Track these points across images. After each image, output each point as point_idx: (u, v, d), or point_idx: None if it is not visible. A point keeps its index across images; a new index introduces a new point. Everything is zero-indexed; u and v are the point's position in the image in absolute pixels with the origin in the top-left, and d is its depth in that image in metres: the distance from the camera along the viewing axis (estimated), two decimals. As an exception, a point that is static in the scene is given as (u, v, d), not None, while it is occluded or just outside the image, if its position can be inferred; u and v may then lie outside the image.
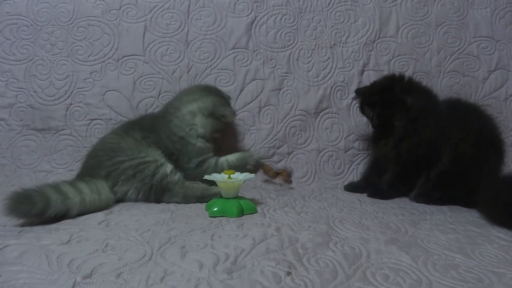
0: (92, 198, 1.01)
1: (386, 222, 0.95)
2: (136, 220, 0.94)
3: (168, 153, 1.21)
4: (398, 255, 0.74)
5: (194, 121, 1.25)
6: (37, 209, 0.89)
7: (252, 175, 1.10)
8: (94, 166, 1.13)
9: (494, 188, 1.03)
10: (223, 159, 1.30)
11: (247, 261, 0.71)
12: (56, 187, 0.96)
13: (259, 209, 1.04)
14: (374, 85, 1.26)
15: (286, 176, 1.33)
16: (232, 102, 1.44)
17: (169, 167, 1.14)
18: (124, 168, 1.10)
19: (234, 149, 1.41)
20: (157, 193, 1.11)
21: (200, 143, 1.25)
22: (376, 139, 1.25)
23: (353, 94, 1.45)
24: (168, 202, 1.11)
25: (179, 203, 1.11)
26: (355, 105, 1.45)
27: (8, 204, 0.86)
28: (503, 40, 1.50)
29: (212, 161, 1.26)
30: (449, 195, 1.13)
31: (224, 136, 1.40)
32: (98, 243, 0.78)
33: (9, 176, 1.34)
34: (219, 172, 1.10)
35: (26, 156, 1.39)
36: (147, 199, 1.11)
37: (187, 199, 1.12)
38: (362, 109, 1.27)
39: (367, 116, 1.25)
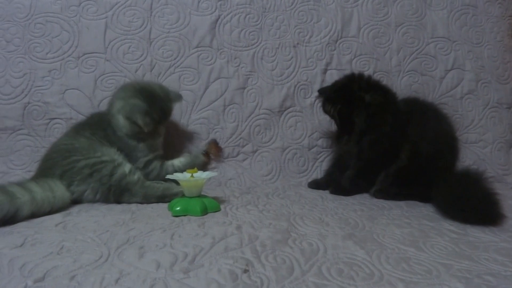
0: (44, 196, 0.98)
1: (345, 218, 0.97)
2: (94, 221, 0.93)
3: (119, 150, 1.19)
4: (353, 250, 0.76)
5: (119, 120, 1.21)
6: None
7: (215, 173, 1.10)
8: (48, 167, 1.10)
9: (447, 183, 1.07)
10: (169, 163, 1.28)
11: (205, 260, 0.71)
12: (1, 188, 0.94)
13: (222, 207, 1.05)
14: (335, 83, 1.29)
15: (215, 148, 1.31)
16: (197, 101, 1.44)
17: (127, 167, 1.12)
18: (80, 167, 1.08)
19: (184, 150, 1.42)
20: (116, 193, 1.09)
21: (142, 141, 1.23)
22: (339, 136, 1.28)
23: (316, 93, 1.47)
24: (128, 203, 1.10)
25: (139, 203, 1.10)
26: (318, 104, 1.47)
27: None
28: (458, 41, 1.56)
29: (157, 163, 1.25)
30: (406, 190, 1.17)
31: (175, 139, 1.40)
32: (53, 245, 0.76)
33: (-38, 178, 1.29)
34: (164, 176, 1.11)
35: (-20, 157, 1.33)
36: (106, 199, 1.09)
37: (147, 199, 1.10)
38: (324, 107, 1.29)
39: (328, 114, 1.27)
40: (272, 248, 0.77)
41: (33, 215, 0.95)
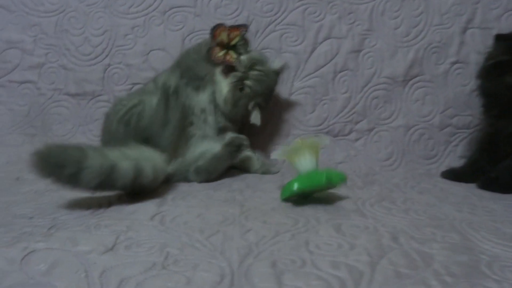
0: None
1: (535, 230, 0.69)
2: (197, 214, 0.73)
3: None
4: None
5: None
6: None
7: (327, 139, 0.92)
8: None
9: None
10: None
11: (376, 294, 0.47)
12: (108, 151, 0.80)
13: (351, 203, 0.81)
14: None
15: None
16: (301, 66, 1.23)
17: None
18: None
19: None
20: None
21: None
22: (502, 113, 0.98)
23: (452, 58, 1.19)
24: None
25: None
26: (456, 71, 1.18)
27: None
28: None
29: None
30: None
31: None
32: (154, 251, 0.57)
33: (39, 148, 1.17)
34: None
35: (58, 126, 1.23)
36: None
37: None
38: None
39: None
40: (467, 279, 0.52)
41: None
